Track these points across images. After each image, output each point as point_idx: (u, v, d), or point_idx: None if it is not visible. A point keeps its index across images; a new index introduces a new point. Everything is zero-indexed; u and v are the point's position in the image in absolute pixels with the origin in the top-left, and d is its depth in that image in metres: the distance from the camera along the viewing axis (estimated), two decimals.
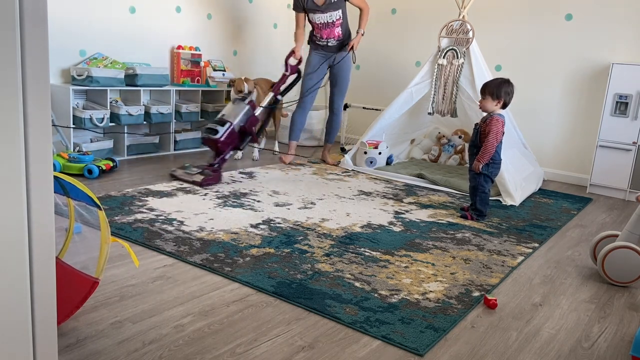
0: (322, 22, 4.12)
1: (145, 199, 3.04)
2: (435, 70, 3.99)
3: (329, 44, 4.21)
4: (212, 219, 2.77)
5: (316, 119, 5.18)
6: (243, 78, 4.02)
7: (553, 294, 2.22)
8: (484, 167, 3.04)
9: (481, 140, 3.03)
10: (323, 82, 4.34)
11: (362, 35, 4.23)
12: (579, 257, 2.68)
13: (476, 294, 2.13)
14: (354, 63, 4.34)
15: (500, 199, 3.60)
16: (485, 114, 3.10)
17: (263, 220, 2.81)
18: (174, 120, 4.34)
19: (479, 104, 3.09)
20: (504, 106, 3.03)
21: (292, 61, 4.28)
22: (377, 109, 4.96)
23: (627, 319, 2.05)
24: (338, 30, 4.18)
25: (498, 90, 2.98)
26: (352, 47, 4.22)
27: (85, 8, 3.90)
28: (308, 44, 4.30)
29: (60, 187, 1.67)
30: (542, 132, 4.50)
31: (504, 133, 3.03)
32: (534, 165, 4.19)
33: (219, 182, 3.53)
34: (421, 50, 4.97)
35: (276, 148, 4.76)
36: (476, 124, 3.09)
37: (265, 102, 4.06)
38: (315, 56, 4.28)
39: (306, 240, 2.58)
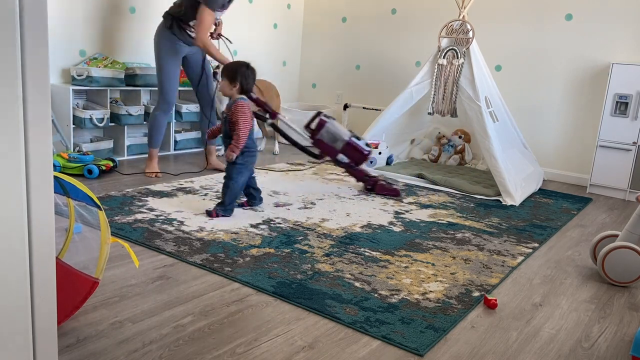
0: (217, 21, 3.79)
1: (145, 199, 3.04)
2: (435, 70, 3.99)
3: (193, 35, 3.68)
4: (212, 219, 2.77)
5: None
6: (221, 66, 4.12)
7: (553, 294, 2.22)
8: (239, 156, 2.83)
9: (232, 130, 2.86)
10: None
11: None
12: (579, 257, 2.68)
13: (476, 294, 2.13)
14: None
15: (500, 199, 3.60)
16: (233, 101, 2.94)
17: (263, 220, 2.81)
18: (174, 121, 4.34)
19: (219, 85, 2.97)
20: (243, 91, 2.90)
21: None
22: (377, 109, 4.96)
23: (627, 319, 2.05)
24: None
25: (234, 73, 2.85)
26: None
27: (85, 8, 3.90)
28: (169, 28, 3.60)
29: (60, 187, 1.67)
30: (542, 132, 4.50)
31: (253, 118, 2.88)
32: (534, 165, 4.19)
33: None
34: (421, 50, 4.97)
35: (276, 149, 4.76)
36: (223, 113, 2.95)
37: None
38: (175, 45, 3.65)
39: (306, 240, 2.58)
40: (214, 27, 3.77)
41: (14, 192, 0.93)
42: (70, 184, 1.65)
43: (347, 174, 3.71)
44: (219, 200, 2.89)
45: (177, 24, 3.60)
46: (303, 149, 3.58)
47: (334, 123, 3.54)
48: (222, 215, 2.83)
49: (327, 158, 3.59)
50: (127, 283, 2.02)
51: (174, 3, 3.65)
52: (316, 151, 3.57)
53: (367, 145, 3.56)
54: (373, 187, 3.56)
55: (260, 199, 3.08)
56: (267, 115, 3.49)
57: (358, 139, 3.53)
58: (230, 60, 3.57)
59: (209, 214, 2.82)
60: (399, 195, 3.51)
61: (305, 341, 1.71)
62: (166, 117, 3.72)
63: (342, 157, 3.52)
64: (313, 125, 3.51)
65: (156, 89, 4.16)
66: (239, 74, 2.85)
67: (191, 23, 3.63)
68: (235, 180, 2.84)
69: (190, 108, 4.39)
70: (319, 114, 3.55)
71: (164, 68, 3.61)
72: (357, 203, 3.29)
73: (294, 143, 3.59)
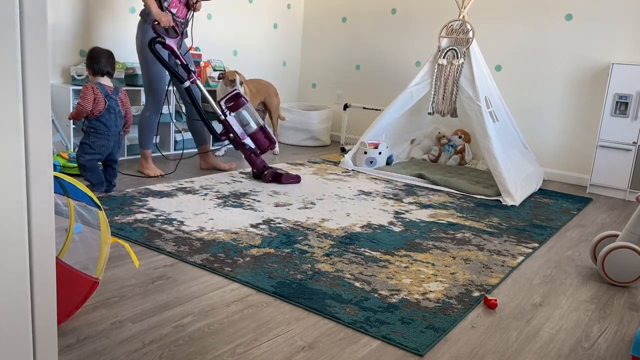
0: None
1: (145, 199, 3.04)
2: (435, 70, 3.99)
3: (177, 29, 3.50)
4: (212, 219, 2.77)
5: (316, 119, 5.18)
6: (234, 70, 4.07)
7: (553, 294, 2.22)
8: (85, 136, 3.05)
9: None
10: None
11: None
12: (579, 257, 2.68)
13: (476, 294, 2.13)
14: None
15: (500, 199, 3.60)
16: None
17: (263, 220, 2.81)
18: (174, 120, 4.34)
19: None
20: (99, 73, 3.08)
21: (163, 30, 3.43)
22: (377, 109, 4.96)
23: (627, 319, 2.05)
24: (185, 10, 3.54)
25: (86, 59, 3.11)
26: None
27: (85, 8, 3.90)
28: (147, 22, 3.44)
29: (60, 187, 1.67)
30: (542, 132, 4.50)
31: (96, 100, 2.99)
32: (534, 165, 4.19)
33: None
34: (421, 50, 4.97)
35: (276, 149, 4.76)
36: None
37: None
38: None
39: (306, 240, 2.58)
40: None
41: (14, 192, 0.93)
42: (70, 184, 1.65)
43: (351, 175, 3.70)
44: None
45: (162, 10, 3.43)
46: (208, 125, 3.56)
47: (250, 107, 3.59)
48: (95, 191, 3.02)
49: (226, 141, 3.60)
50: (127, 283, 2.02)
51: None
52: (219, 130, 3.59)
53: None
54: (275, 178, 3.58)
55: (105, 190, 3.12)
56: (186, 77, 3.43)
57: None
58: (164, 15, 3.38)
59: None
60: (299, 180, 3.61)
61: (305, 341, 1.71)
62: (157, 117, 3.64)
63: (248, 141, 3.58)
64: (230, 103, 3.52)
65: None
66: (88, 58, 3.10)
67: (165, 4, 3.46)
68: (81, 157, 3.04)
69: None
70: (238, 94, 3.57)
71: (150, 66, 3.51)
72: (357, 203, 3.29)
73: (200, 114, 3.54)
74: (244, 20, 5.13)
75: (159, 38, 3.34)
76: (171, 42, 3.38)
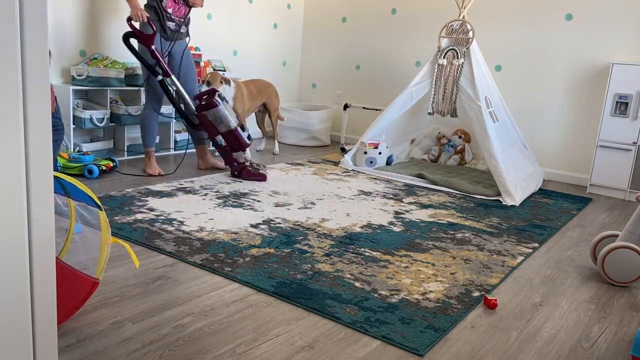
0: None
1: (145, 199, 3.04)
2: (435, 70, 3.99)
3: (173, 28, 3.56)
4: (212, 219, 2.77)
5: (316, 119, 5.18)
6: (215, 72, 4.04)
7: (553, 294, 2.22)
8: None
9: None
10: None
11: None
12: (579, 257, 2.68)
13: (476, 294, 2.13)
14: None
15: (500, 199, 3.60)
16: None
17: (263, 220, 2.81)
18: (174, 120, 4.34)
19: None
20: None
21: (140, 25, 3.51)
22: (377, 109, 4.96)
23: (627, 319, 2.05)
24: (185, 9, 3.58)
25: None
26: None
27: (86, 8, 3.90)
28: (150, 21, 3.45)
29: (60, 187, 1.67)
30: (542, 132, 4.50)
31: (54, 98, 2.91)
32: (534, 165, 4.19)
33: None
34: (421, 50, 4.97)
35: (276, 149, 4.76)
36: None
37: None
38: (159, 39, 3.50)
39: (306, 240, 2.58)
40: None
41: (14, 192, 0.93)
42: (71, 184, 1.65)
43: (351, 175, 3.70)
44: None
45: (158, 10, 3.48)
46: (185, 117, 3.66)
47: (227, 106, 3.65)
48: None
49: (205, 134, 3.74)
50: (127, 283, 2.02)
51: None
52: (196, 121, 3.66)
53: (249, 138, 3.70)
54: (240, 173, 3.65)
55: None
56: (160, 72, 3.50)
57: (243, 130, 3.67)
58: (138, 10, 3.40)
59: None
60: (265, 179, 3.61)
61: (305, 341, 1.71)
62: (156, 116, 3.69)
63: (220, 139, 3.64)
64: (204, 101, 3.56)
65: None
66: None
67: (170, 10, 3.52)
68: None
69: None
70: (214, 91, 3.59)
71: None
72: (357, 203, 3.29)
73: (177, 107, 3.64)
74: (244, 20, 5.13)
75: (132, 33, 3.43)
76: (156, 38, 3.46)
